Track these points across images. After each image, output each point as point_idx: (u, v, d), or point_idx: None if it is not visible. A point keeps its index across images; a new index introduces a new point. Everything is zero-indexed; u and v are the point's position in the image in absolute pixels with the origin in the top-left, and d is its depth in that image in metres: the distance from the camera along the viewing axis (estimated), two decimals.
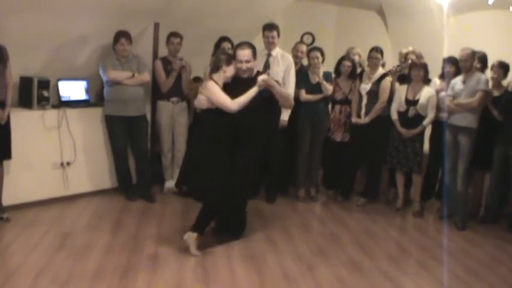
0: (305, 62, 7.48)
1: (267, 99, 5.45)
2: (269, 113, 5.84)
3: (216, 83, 5.31)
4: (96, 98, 7.19)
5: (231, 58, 5.43)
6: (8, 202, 6.11)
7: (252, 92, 5.25)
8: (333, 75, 7.33)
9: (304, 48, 7.61)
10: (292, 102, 5.92)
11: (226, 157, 5.30)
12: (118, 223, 6.09)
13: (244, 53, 5.39)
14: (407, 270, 5.30)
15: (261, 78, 5.30)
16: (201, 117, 7.04)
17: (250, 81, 5.36)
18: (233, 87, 5.35)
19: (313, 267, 5.14)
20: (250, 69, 5.45)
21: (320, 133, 7.28)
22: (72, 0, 6.03)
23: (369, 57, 7.15)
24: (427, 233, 6.47)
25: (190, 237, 5.26)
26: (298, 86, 7.06)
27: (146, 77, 6.81)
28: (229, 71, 5.36)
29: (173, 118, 7.18)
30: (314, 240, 5.91)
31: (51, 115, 6.55)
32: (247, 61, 5.39)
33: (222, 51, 5.57)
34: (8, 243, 5.45)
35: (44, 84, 6.43)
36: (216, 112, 5.26)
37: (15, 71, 6.04)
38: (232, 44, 6.99)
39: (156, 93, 7.26)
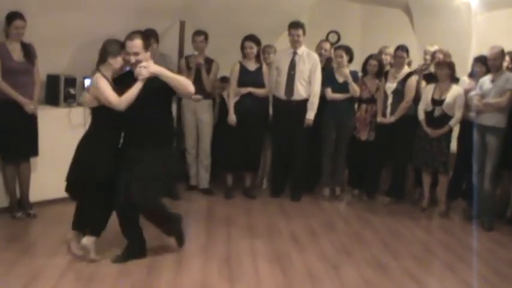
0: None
1: (160, 88, 4.75)
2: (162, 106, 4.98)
3: (104, 76, 4.75)
4: None
5: (120, 49, 4.77)
6: (34, 198, 6.18)
7: (137, 86, 4.66)
8: (360, 74, 7.29)
9: (327, 46, 7.62)
10: (191, 88, 4.86)
11: (114, 158, 4.81)
12: (143, 220, 6.09)
13: (133, 44, 4.69)
14: (433, 271, 5.25)
15: (139, 66, 4.68)
16: (221, 115, 7.13)
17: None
18: (131, 83, 4.71)
19: (339, 267, 5.10)
20: (139, 62, 4.71)
21: (345, 132, 7.23)
22: None
23: (394, 56, 7.11)
24: (453, 233, 6.39)
25: (89, 241, 4.87)
26: (324, 84, 7.04)
27: None
28: (116, 63, 4.77)
29: (196, 116, 7.18)
30: (339, 240, 5.88)
31: (77, 113, 6.56)
32: (136, 53, 4.68)
33: (111, 41, 4.80)
34: (35, 239, 5.52)
35: (71, 81, 6.48)
36: (105, 110, 4.72)
37: (43, 68, 6.10)
38: (257, 43, 6.98)
39: None
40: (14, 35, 5.69)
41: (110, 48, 4.76)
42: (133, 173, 4.71)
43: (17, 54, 5.75)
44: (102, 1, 6.13)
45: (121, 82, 4.80)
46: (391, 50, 7.56)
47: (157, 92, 4.74)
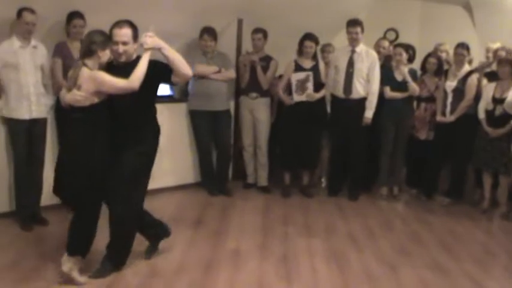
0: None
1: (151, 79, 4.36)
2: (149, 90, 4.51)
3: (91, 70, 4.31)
4: (180, 94, 7.31)
5: (107, 40, 4.33)
6: None
7: (144, 59, 4.31)
8: (419, 73, 7.19)
9: (386, 44, 7.55)
10: (189, 71, 4.48)
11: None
12: (200, 217, 6.17)
13: (122, 33, 4.33)
14: (494, 274, 5.16)
15: (144, 35, 4.36)
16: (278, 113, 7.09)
17: (128, 67, 4.30)
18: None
19: (397, 268, 5.04)
20: (127, 53, 4.38)
21: (404, 131, 7.15)
22: None
23: (455, 54, 6.96)
24: None
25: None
26: (383, 83, 6.97)
27: (232, 74, 6.94)
28: (104, 56, 4.32)
29: (253, 114, 7.20)
30: (397, 240, 5.82)
31: None
32: (125, 43, 4.33)
33: (97, 32, 4.35)
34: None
35: None
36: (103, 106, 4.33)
37: None
38: (316, 42, 6.96)
39: (239, 88, 7.34)
40: (74, 34, 5.81)
41: (98, 39, 4.28)
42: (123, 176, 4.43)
43: (77, 53, 5.80)
44: (160, 1, 6.19)
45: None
46: (446, 47, 7.45)
47: (149, 82, 4.34)
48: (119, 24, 4.38)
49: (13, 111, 5.47)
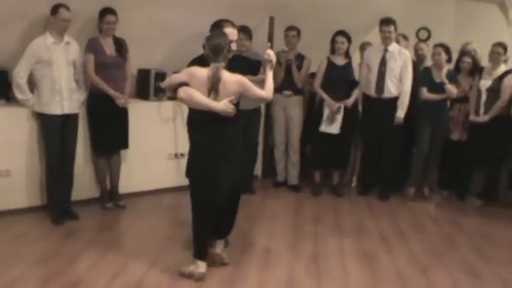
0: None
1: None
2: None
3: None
4: None
5: None
6: (124, 190, 6.36)
7: (270, 74, 4.51)
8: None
9: (423, 45, 7.52)
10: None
11: None
12: None
13: (235, 32, 4.64)
14: None
15: (267, 54, 4.53)
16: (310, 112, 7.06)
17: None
18: None
19: (428, 270, 4.98)
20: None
21: (440, 132, 7.05)
22: None
23: (491, 52, 6.84)
24: None
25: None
26: (421, 83, 6.93)
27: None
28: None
29: (286, 112, 7.17)
30: (428, 241, 5.74)
31: (167, 107, 6.71)
32: (233, 41, 4.59)
33: (224, 34, 4.46)
34: (124, 229, 5.71)
35: (161, 76, 6.57)
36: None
37: (133, 63, 6.24)
38: (348, 39, 6.91)
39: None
40: (106, 30, 5.84)
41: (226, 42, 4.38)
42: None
43: (109, 48, 5.89)
44: None
45: None
46: (474, 45, 7.33)
47: None
48: (228, 23, 4.63)
49: (45, 106, 5.50)
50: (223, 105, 4.31)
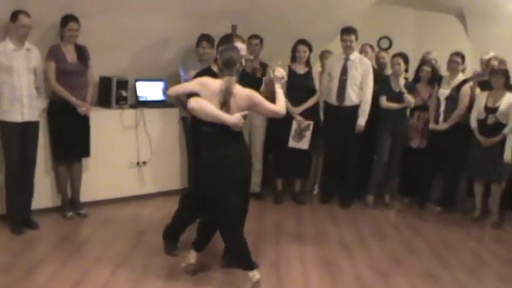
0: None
1: None
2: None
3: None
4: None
5: None
6: (85, 199, 6.31)
7: (281, 91, 4.58)
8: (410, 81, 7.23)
9: (384, 54, 7.60)
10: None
11: None
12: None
13: (244, 47, 4.82)
14: (486, 283, 5.15)
15: (278, 71, 4.62)
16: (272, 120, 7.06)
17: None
18: None
19: (388, 276, 5.03)
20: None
21: (399, 140, 7.13)
22: (152, 2, 6.14)
23: (450, 61, 6.96)
24: (507, 245, 6.20)
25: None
26: (380, 92, 7.01)
27: None
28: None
29: (249, 119, 7.14)
30: (389, 248, 5.80)
31: (129, 115, 6.69)
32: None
33: (235, 48, 4.53)
34: (86, 238, 5.64)
35: (123, 84, 6.59)
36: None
37: (95, 71, 6.22)
38: (309, 47, 6.96)
39: None
40: (68, 37, 5.81)
41: (238, 55, 4.44)
42: None
43: (71, 56, 5.86)
44: (156, 5, 6.19)
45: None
46: (434, 55, 7.45)
47: None
48: (239, 37, 4.84)
49: (5, 113, 5.44)
50: (235, 118, 4.28)
